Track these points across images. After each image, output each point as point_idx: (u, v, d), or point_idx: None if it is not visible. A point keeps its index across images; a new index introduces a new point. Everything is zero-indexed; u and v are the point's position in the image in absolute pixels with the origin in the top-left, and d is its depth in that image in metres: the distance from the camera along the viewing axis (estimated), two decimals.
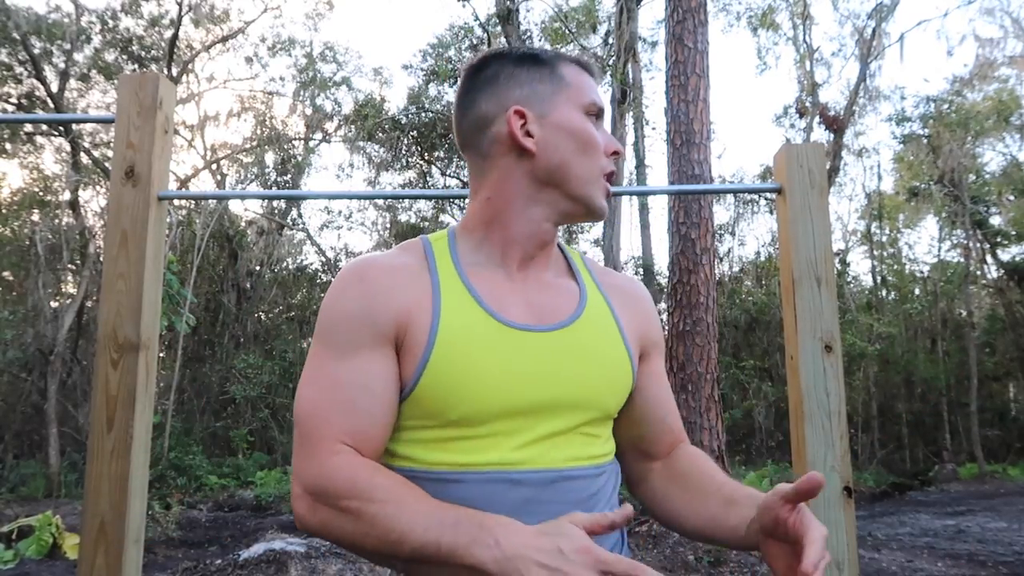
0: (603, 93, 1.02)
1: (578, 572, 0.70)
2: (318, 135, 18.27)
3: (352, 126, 17.47)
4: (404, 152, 17.08)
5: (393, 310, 0.89)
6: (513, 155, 0.95)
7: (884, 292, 19.48)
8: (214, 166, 17.43)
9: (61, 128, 13.80)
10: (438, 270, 0.94)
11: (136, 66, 15.15)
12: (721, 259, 18.84)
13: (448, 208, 17.75)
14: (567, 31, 15.77)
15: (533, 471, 0.87)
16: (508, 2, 13.45)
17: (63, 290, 15.94)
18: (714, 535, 0.95)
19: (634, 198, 15.45)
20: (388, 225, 19.17)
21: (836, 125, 16.03)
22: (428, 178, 17.35)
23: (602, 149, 0.97)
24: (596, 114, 0.99)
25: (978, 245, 17.61)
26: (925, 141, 17.13)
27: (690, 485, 1.01)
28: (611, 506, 0.96)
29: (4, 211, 15.72)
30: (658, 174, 20.03)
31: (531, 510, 0.84)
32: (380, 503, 0.80)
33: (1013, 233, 17.42)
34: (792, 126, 18.14)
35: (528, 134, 0.95)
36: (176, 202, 13.92)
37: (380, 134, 16.91)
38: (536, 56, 1.00)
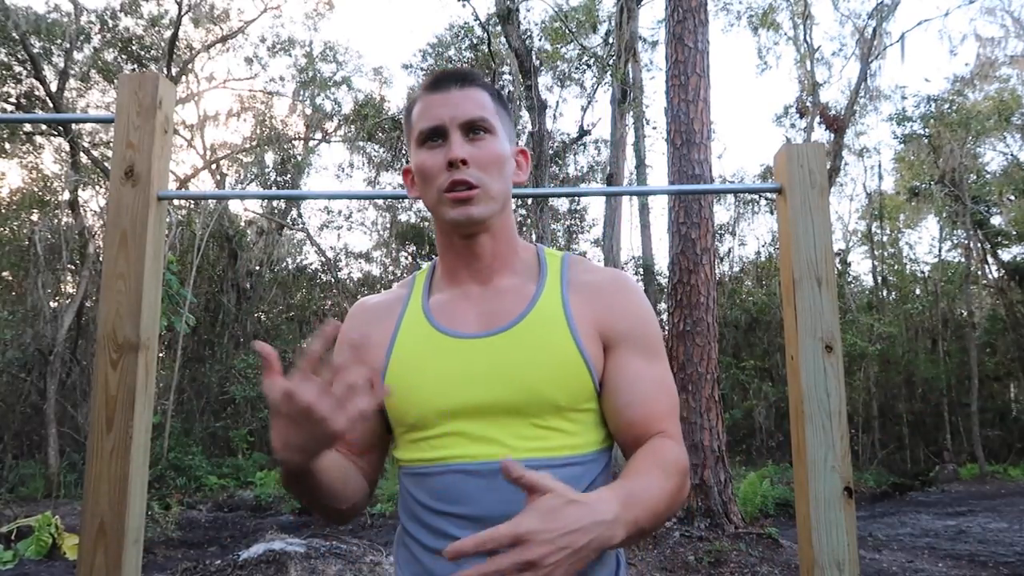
0: (461, 93, 1.05)
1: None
2: (318, 135, 18.27)
3: (352, 126, 17.48)
4: (404, 152, 17.08)
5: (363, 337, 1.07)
6: None
7: (885, 292, 19.49)
8: (214, 166, 17.43)
9: (60, 128, 13.80)
10: (410, 299, 1.12)
11: (136, 66, 15.15)
12: (721, 259, 18.84)
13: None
14: (567, 31, 15.78)
15: (486, 463, 0.97)
16: (508, 2, 13.44)
17: (62, 290, 15.95)
18: None
19: (634, 198, 15.45)
20: (388, 225, 19.16)
21: (837, 125, 16.03)
22: None
23: (437, 170, 1.02)
24: (429, 136, 1.04)
25: (979, 245, 17.61)
26: (926, 141, 17.12)
27: None
28: None
29: (4, 211, 15.72)
30: (658, 174, 20.05)
31: (489, 496, 0.96)
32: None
33: (1014, 233, 17.43)
34: (792, 126, 18.16)
35: (414, 185, 1.11)
36: (176, 202, 13.92)
37: (380, 134, 16.92)
38: (406, 109, 1.12)
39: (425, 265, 1.17)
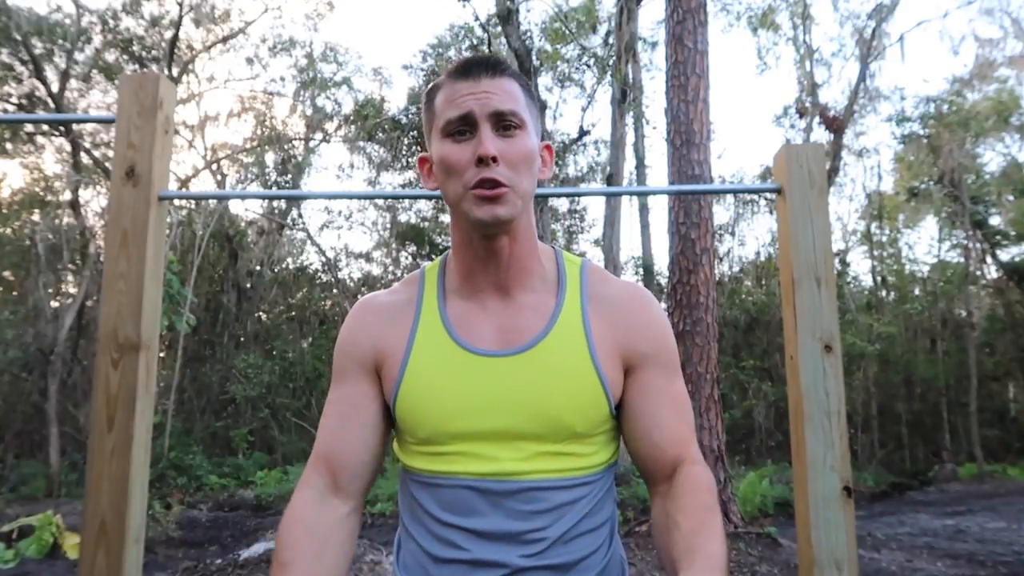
0: (491, 83, 0.97)
1: None
2: (318, 135, 18.27)
3: (352, 126, 17.48)
4: (404, 152, 17.08)
5: (371, 344, 1.04)
6: None
7: (884, 292, 19.48)
8: (214, 166, 17.43)
9: (62, 128, 13.81)
10: (423, 303, 1.05)
11: (137, 66, 15.15)
12: (721, 259, 18.84)
13: (448, 208, 17.73)
14: (567, 31, 15.77)
15: (498, 481, 0.96)
16: (508, 2, 13.44)
17: (63, 290, 15.94)
18: None
19: (634, 198, 15.45)
20: (388, 225, 19.15)
21: (836, 125, 16.03)
22: None
23: (464, 164, 0.95)
24: (458, 128, 0.97)
25: (978, 245, 17.60)
26: (925, 141, 17.12)
27: (664, 528, 0.97)
28: (596, 513, 1.01)
29: (5, 211, 15.71)
30: (658, 174, 20.02)
31: (502, 512, 0.96)
32: (278, 564, 0.94)
33: (1013, 233, 17.42)
34: (792, 126, 18.15)
35: (432, 175, 1.05)
36: (176, 202, 13.92)
37: (380, 134, 16.92)
38: (425, 96, 1.05)
39: (430, 263, 1.11)
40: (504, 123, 0.96)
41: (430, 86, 1.04)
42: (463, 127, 0.96)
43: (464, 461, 0.97)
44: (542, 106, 13.94)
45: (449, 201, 1.00)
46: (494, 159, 0.93)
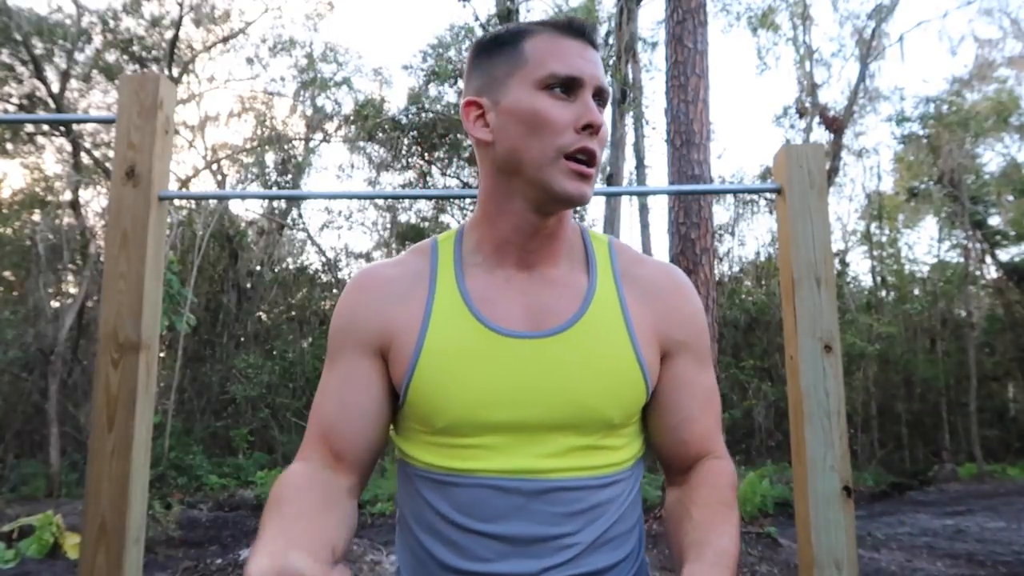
0: (595, 54, 0.90)
1: None
2: (318, 135, 18.27)
3: (352, 126, 17.47)
4: (404, 152, 17.08)
5: (378, 322, 0.91)
6: (482, 148, 0.92)
7: (884, 292, 19.48)
8: (214, 166, 17.43)
9: (62, 128, 13.80)
10: (437, 275, 0.93)
11: (137, 66, 15.15)
12: (721, 259, 18.83)
13: (448, 208, 17.74)
14: None
15: (524, 480, 0.86)
16: (508, 2, 13.45)
17: (64, 290, 15.94)
18: None
19: (634, 198, 15.45)
20: (388, 225, 19.16)
21: (836, 125, 16.03)
22: (428, 178, 17.35)
23: (563, 125, 0.84)
24: (561, 84, 0.85)
25: (977, 245, 17.61)
26: (925, 141, 17.13)
27: (677, 518, 0.90)
28: (628, 514, 0.92)
29: (5, 211, 15.72)
30: (658, 174, 20.02)
31: (524, 516, 0.85)
32: (268, 519, 0.75)
33: (1012, 233, 17.43)
34: (792, 126, 18.14)
35: (486, 124, 0.90)
36: (176, 202, 13.92)
37: (380, 134, 16.91)
38: (498, 38, 0.91)
39: (443, 234, 0.99)
40: (601, 99, 0.88)
41: (514, 29, 0.90)
42: (567, 86, 0.85)
43: (486, 456, 0.87)
44: None
45: (523, 160, 0.86)
46: (597, 130, 0.85)
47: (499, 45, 0.90)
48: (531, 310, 0.90)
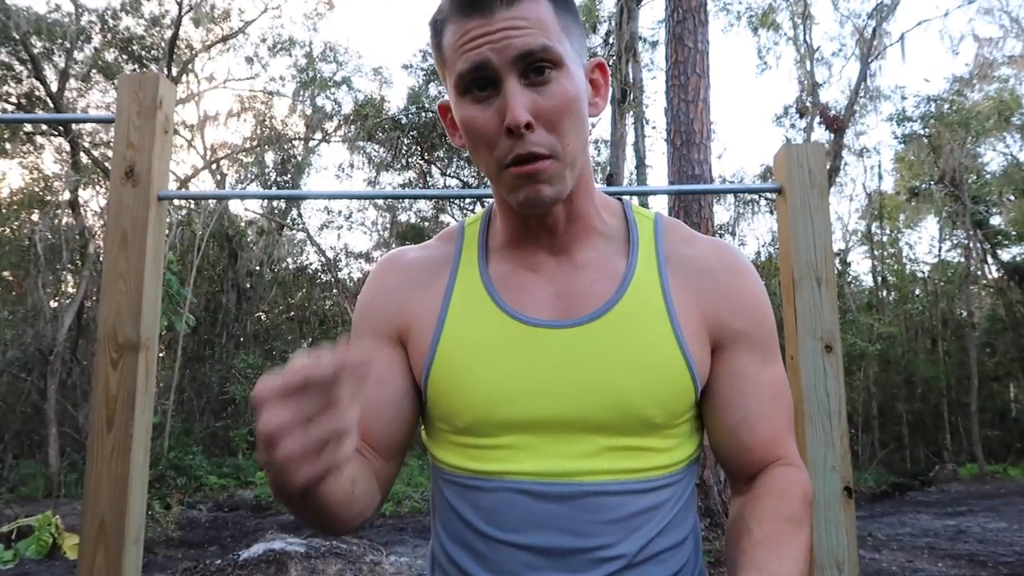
0: (507, 18, 0.72)
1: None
2: (318, 135, 18.27)
3: (352, 126, 17.47)
4: (404, 152, 17.08)
5: (395, 309, 0.85)
6: None
7: (884, 292, 19.49)
8: (214, 166, 17.43)
9: (61, 128, 13.80)
10: (460, 261, 0.86)
11: (136, 66, 15.15)
12: None
13: (448, 208, 17.75)
14: None
15: (557, 483, 0.77)
16: None
17: (63, 290, 15.94)
18: None
19: (634, 198, 15.45)
20: (388, 225, 19.16)
21: (836, 125, 16.03)
22: (428, 178, 17.35)
23: (492, 134, 0.74)
24: (475, 82, 0.74)
25: (978, 245, 17.61)
26: (926, 141, 17.13)
27: (736, 533, 0.79)
28: (678, 525, 0.82)
29: (4, 211, 15.72)
30: (658, 174, 20.02)
31: (559, 525, 0.76)
32: None
33: (1013, 233, 17.43)
34: (792, 126, 18.15)
35: (457, 129, 0.82)
36: (176, 202, 13.92)
37: (380, 134, 16.91)
38: (432, 30, 0.80)
39: (471, 216, 0.91)
40: (536, 66, 0.73)
41: (437, 16, 0.78)
42: (481, 82, 0.74)
43: (513, 458, 0.78)
44: None
45: (483, 172, 0.80)
46: (528, 126, 0.72)
47: (433, 41, 0.80)
48: (560, 297, 0.81)
